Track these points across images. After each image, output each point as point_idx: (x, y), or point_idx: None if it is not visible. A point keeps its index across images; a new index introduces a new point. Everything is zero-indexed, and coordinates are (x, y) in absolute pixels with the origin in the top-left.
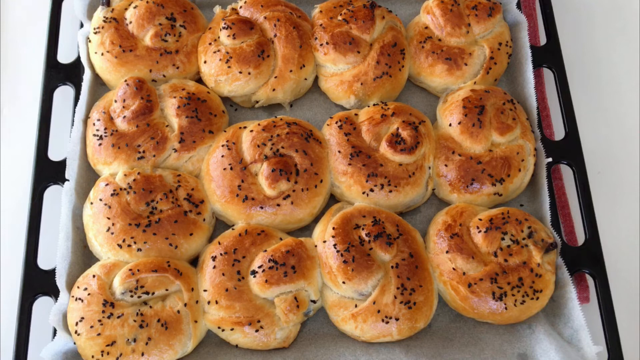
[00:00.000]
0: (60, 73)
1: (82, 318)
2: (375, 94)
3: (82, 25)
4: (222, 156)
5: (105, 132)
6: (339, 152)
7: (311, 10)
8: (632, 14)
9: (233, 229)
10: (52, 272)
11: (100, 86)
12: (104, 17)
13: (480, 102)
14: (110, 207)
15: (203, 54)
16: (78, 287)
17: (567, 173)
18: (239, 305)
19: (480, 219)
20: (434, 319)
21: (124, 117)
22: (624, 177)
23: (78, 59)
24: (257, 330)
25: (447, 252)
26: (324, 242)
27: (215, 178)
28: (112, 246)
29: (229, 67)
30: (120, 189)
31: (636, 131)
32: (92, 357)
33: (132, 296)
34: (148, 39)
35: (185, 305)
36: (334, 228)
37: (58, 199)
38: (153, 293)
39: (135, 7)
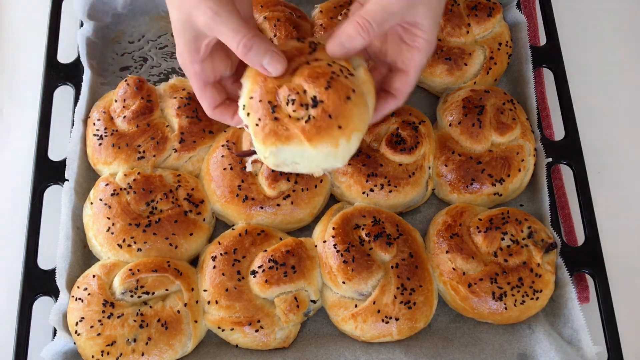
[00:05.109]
0: (60, 73)
1: (82, 318)
2: None
3: (82, 25)
4: (222, 156)
5: (106, 132)
6: None
7: (311, 10)
8: (632, 14)
9: (233, 229)
10: (52, 272)
11: (100, 86)
12: None
13: (480, 102)
14: (110, 207)
15: None
16: (78, 287)
17: (567, 173)
18: (239, 305)
19: (480, 219)
20: (434, 319)
21: (124, 117)
22: (624, 177)
23: (78, 58)
24: (257, 330)
25: (447, 252)
26: (324, 242)
27: (215, 178)
28: (112, 246)
29: None
30: (121, 188)
31: (636, 131)
32: (92, 357)
33: (132, 296)
34: None
35: (185, 305)
36: (334, 228)
37: (58, 199)
38: (153, 293)
39: None
